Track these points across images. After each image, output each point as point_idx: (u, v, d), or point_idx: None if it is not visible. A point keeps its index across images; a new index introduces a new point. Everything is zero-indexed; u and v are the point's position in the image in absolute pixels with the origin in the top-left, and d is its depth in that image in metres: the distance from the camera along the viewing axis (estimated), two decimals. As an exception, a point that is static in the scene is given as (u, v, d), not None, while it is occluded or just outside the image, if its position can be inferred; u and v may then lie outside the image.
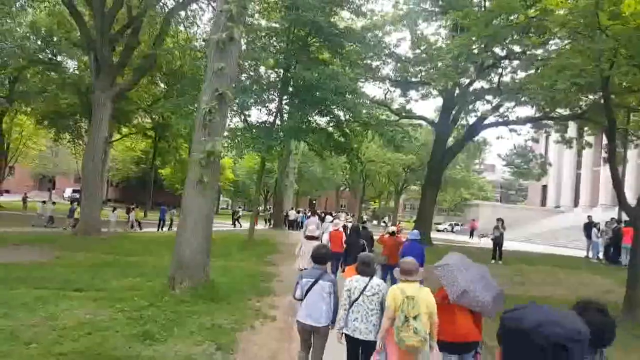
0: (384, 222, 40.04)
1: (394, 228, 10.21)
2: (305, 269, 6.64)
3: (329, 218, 14.82)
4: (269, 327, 6.33)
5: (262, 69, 17.44)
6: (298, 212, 32.11)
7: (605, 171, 34.76)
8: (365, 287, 4.06)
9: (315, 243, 6.75)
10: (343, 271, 7.98)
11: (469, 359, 4.07)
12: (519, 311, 1.27)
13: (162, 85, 25.97)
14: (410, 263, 4.03)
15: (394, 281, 6.47)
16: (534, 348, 1.18)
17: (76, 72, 23.98)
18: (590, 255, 16.80)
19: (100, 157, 17.26)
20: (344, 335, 4.10)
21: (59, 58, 23.30)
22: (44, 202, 21.74)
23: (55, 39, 20.95)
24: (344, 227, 10.88)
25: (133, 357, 4.45)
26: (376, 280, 4.19)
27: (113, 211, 20.36)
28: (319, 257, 4.51)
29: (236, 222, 30.15)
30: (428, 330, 3.71)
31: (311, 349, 4.35)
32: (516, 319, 1.24)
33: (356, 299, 4.05)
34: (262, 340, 5.69)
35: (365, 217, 39.34)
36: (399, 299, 3.74)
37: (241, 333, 5.72)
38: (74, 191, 42.84)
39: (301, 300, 4.33)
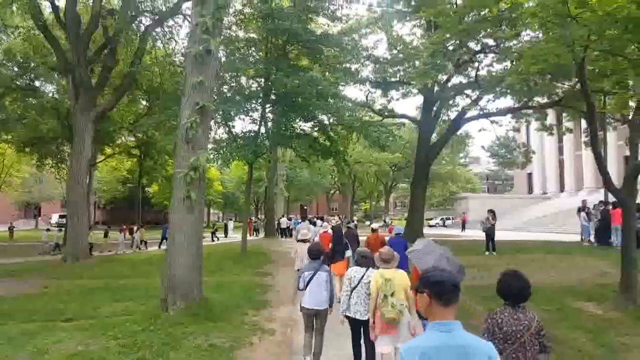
0: (384, 221, 40.11)
1: (375, 225, 11.21)
2: (299, 269, 7.69)
3: (319, 222, 15.46)
4: (267, 342, 6.22)
5: (242, 79, 17.36)
6: (289, 219, 31.98)
7: (587, 154, 35.32)
8: (362, 276, 4.92)
9: (308, 245, 7.50)
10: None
11: None
12: (435, 272, 2.20)
13: (143, 102, 25.69)
14: (388, 253, 4.86)
15: None
16: (444, 287, 2.08)
17: (55, 96, 23.61)
18: (583, 238, 16.93)
19: (85, 179, 16.99)
20: (345, 318, 4.98)
21: (37, 83, 22.92)
22: (47, 229, 21.70)
23: (32, 64, 20.60)
24: (332, 228, 11.64)
25: (129, 387, 4.31)
26: (372, 270, 4.96)
27: (120, 232, 21.25)
28: (315, 253, 5.56)
29: (213, 235, 28.41)
30: (406, 304, 4.56)
31: (314, 330, 5.25)
32: (439, 275, 2.17)
33: (355, 286, 4.90)
34: (261, 356, 5.59)
35: (355, 219, 39.58)
36: (380, 282, 4.59)
37: (239, 351, 5.60)
38: (60, 216, 42.19)
39: (304, 290, 5.25)
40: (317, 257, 5.52)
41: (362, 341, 5.00)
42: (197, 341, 5.74)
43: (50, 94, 24.04)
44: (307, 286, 5.25)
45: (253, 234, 31.21)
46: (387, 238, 10.20)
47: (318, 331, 5.27)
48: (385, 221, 41.68)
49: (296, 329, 7.01)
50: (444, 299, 2.04)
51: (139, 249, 21.36)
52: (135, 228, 22.85)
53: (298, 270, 8.38)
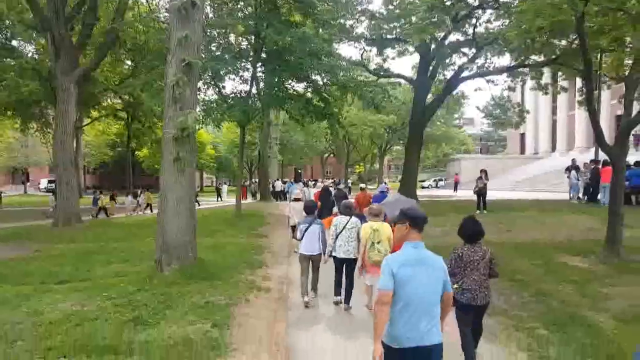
0: (385, 182, 40.21)
1: (363, 185, 12.99)
2: (294, 225, 8.93)
3: (311, 184, 15.91)
4: (263, 299, 6.26)
5: (232, 37, 16.79)
6: (284, 182, 31.95)
7: (580, 114, 35.26)
8: (346, 223, 6.07)
9: (301, 203, 8.58)
10: None
11: None
12: (412, 209, 3.09)
13: (128, 62, 24.90)
14: (377, 208, 5.97)
15: None
16: (420, 219, 2.95)
17: (35, 56, 22.75)
18: (571, 196, 17.13)
19: (72, 143, 16.60)
20: (331, 257, 6.12)
21: (14, 42, 21.99)
22: (53, 193, 21.59)
23: (7, 22, 19.66)
24: (325, 189, 13.19)
25: (126, 344, 4.30)
26: (354, 218, 6.16)
27: (127, 195, 21.55)
28: (309, 208, 6.62)
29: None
30: (389, 250, 5.42)
31: (309, 272, 6.35)
32: (415, 210, 3.08)
33: (340, 232, 6.04)
34: (258, 312, 5.62)
35: (348, 181, 39.53)
36: (369, 232, 5.67)
37: (236, 308, 5.61)
38: (49, 182, 41.81)
39: (301, 240, 6.33)
40: (312, 212, 6.57)
41: (343, 275, 6.10)
42: (193, 299, 5.75)
43: (30, 54, 23.14)
44: (303, 236, 6.27)
45: (247, 198, 31.23)
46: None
47: (314, 272, 6.41)
48: (385, 183, 41.79)
49: (292, 287, 7.08)
50: (419, 227, 2.93)
51: (144, 212, 21.30)
52: (139, 191, 22.85)
53: (292, 225, 9.70)
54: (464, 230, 4.16)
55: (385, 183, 22.60)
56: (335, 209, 10.96)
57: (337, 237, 6.02)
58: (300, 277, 6.36)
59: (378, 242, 5.56)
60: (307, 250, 6.28)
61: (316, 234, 6.26)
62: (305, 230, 6.25)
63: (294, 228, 8.98)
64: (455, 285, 3.94)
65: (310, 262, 6.35)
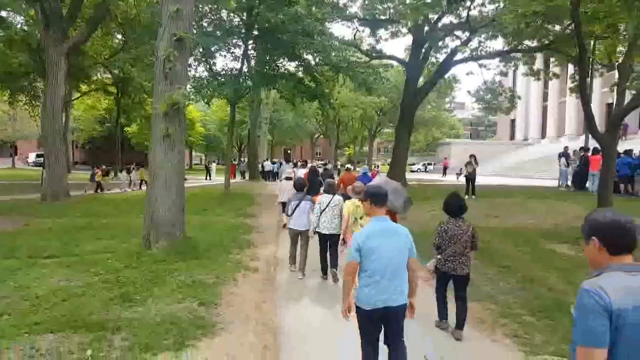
0: (376, 165, 40.20)
1: (349, 165, 14.51)
2: (283, 202, 9.27)
3: (299, 164, 16.42)
4: (251, 278, 6.29)
5: (224, 13, 16.46)
6: (273, 162, 31.83)
7: (571, 101, 35.48)
8: (330, 201, 6.41)
9: (291, 182, 9.08)
10: None
11: None
12: (371, 187, 3.54)
13: (119, 36, 24.38)
14: (359, 186, 6.37)
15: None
16: (378, 196, 3.31)
17: (24, 27, 22.13)
18: (560, 183, 17.31)
19: (60, 117, 16.31)
20: (316, 233, 6.46)
21: (2, 13, 21.32)
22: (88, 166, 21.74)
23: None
24: (312, 169, 13.91)
25: (112, 321, 4.31)
26: (337, 196, 6.55)
27: (121, 171, 21.68)
28: (299, 185, 7.13)
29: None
30: None
31: (298, 246, 6.80)
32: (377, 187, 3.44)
33: (324, 209, 6.38)
34: (245, 292, 5.66)
35: (337, 163, 39.40)
36: (351, 208, 6.11)
37: (223, 287, 5.64)
38: (37, 156, 41.11)
39: (291, 215, 6.74)
40: (301, 190, 7.06)
41: (327, 251, 6.46)
42: (181, 277, 5.76)
43: (19, 26, 22.52)
44: (293, 212, 6.72)
45: (236, 177, 31.10)
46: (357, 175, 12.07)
47: (302, 246, 6.76)
48: (377, 165, 41.86)
49: (280, 268, 7.12)
50: (378, 203, 3.30)
51: (139, 188, 21.04)
52: (131, 167, 22.62)
53: (282, 202, 10.02)
54: (450, 205, 4.59)
55: (377, 166, 22.89)
56: (322, 189, 11.37)
57: (320, 214, 6.37)
58: (290, 247, 6.96)
59: (361, 218, 5.94)
60: (296, 225, 6.74)
61: (306, 210, 6.74)
62: (296, 207, 6.71)
63: (283, 205, 9.11)
64: (438, 256, 4.53)
65: (299, 236, 6.78)
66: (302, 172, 14.37)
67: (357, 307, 3.19)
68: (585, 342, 1.63)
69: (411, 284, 3.25)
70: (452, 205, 4.59)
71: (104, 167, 23.43)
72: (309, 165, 17.71)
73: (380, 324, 3.21)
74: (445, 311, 4.68)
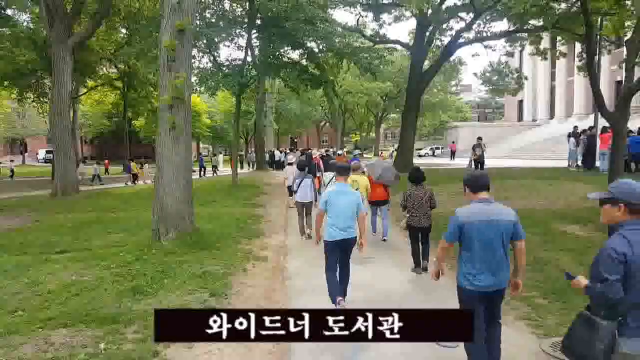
0: (395, 150, 39.94)
1: (341, 152, 16.60)
2: (290, 185, 10.04)
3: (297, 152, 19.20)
4: (261, 268, 6.32)
5: (226, 3, 16.35)
6: (281, 151, 31.78)
7: (579, 80, 34.84)
8: (332, 178, 7.03)
9: (294, 166, 10.26)
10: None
11: (383, 209, 8.02)
12: (336, 164, 5.81)
13: (123, 31, 24.40)
14: (356, 165, 7.83)
15: None
16: (338, 170, 5.01)
17: (30, 25, 22.23)
18: (570, 163, 17.10)
19: (68, 113, 16.42)
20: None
21: (8, 12, 21.41)
22: (83, 161, 22.44)
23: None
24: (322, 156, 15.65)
25: (125, 314, 4.36)
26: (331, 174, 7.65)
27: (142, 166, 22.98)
28: (301, 165, 8.71)
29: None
30: (365, 195, 7.17)
31: (305, 216, 8.20)
32: (340, 165, 5.24)
33: (327, 184, 8.23)
34: (255, 281, 5.68)
35: (340, 150, 39.46)
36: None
37: (233, 277, 5.68)
38: (47, 152, 41.45)
39: (296, 191, 8.21)
40: (303, 170, 8.49)
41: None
42: (191, 269, 5.80)
43: (25, 23, 22.62)
44: (298, 188, 8.14)
45: (249, 168, 31.07)
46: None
47: (308, 215, 8.15)
48: (395, 149, 41.60)
49: (289, 256, 7.14)
50: (341, 175, 4.88)
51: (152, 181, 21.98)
52: (142, 161, 23.95)
53: (289, 186, 10.69)
54: (412, 175, 6.27)
55: (392, 151, 23.59)
56: (318, 174, 12.49)
57: (326, 186, 7.91)
58: (298, 219, 8.30)
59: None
60: (301, 198, 8.15)
61: (309, 185, 8.16)
62: (300, 183, 8.15)
63: (290, 189, 10.10)
64: (407, 215, 6.18)
65: (304, 208, 8.13)
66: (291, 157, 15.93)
67: (325, 241, 4.73)
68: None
69: (361, 228, 4.85)
70: (414, 175, 6.23)
71: (142, 159, 24.59)
72: (311, 151, 18.44)
73: (338, 252, 4.72)
74: (419, 261, 6.14)
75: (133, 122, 40.08)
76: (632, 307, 2.16)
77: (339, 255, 4.74)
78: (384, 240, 7.86)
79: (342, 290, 4.81)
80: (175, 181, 7.33)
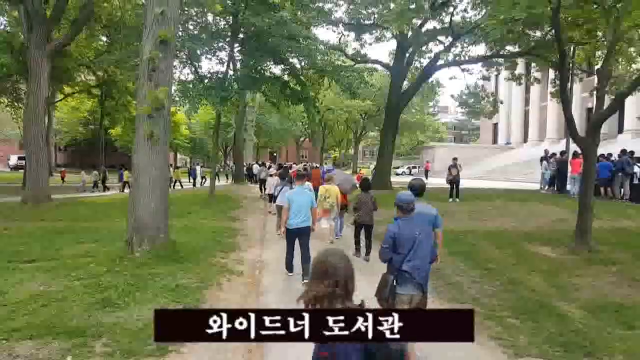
0: (359, 168, 40.38)
1: (316, 164, 17.42)
2: (269, 194, 12.42)
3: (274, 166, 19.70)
4: (236, 282, 6.26)
5: (209, 16, 16.40)
6: (260, 164, 31.57)
7: (552, 106, 36.06)
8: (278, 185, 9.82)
9: (275, 177, 12.00)
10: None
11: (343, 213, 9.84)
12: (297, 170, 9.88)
13: (103, 38, 24.14)
14: (330, 176, 9.20)
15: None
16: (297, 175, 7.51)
17: (7, 29, 21.76)
18: (541, 186, 17.60)
19: (43, 119, 16.02)
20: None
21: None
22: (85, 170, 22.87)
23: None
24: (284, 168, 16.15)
25: (94, 326, 4.25)
26: (307, 184, 8.77)
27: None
28: (283, 175, 10.38)
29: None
30: (335, 202, 8.66)
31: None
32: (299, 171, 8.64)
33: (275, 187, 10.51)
34: (229, 296, 5.63)
35: (314, 165, 39.84)
36: (323, 191, 8.74)
37: (207, 291, 5.60)
38: (19, 158, 40.24)
39: (277, 197, 9.78)
40: (284, 178, 10.10)
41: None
42: (164, 282, 5.70)
43: (1, 27, 22.16)
44: (278, 194, 9.62)
45: (227, 180, 30.73)
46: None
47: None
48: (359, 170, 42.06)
49: (265, 271, 7.10)
50: (299, 179, 7.10)
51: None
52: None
53: (269, 194, 12.38)
54: (362, 184, 8.31)
55: (359, 170, 23.48)
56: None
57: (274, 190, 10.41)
58: (277, 219, 9.73)
59: (328, 197, 8.62)
60: (281, 202, 9.03)
61: (287, 191, 9.35)
62: (281, 190, 9.51)
63: (270, 196, 11.94)
64: (355, 215, 7.99)
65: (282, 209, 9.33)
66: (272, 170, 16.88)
67: (286, 229, 6.47)
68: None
69: (313, 218, 6.68)
70: (364, 184, 8.24)
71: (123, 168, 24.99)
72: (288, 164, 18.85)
73: (296, 238, 6.46)
74: (359, 249, 7.97)
75: (109, 130, 39.47)
76: (398, 267, 3.71)
77: (298, 240, 6.45)
78: (338, 237, 9.60)
79: (306, 270, 6.13)
80: (152, 192, 7.21)
